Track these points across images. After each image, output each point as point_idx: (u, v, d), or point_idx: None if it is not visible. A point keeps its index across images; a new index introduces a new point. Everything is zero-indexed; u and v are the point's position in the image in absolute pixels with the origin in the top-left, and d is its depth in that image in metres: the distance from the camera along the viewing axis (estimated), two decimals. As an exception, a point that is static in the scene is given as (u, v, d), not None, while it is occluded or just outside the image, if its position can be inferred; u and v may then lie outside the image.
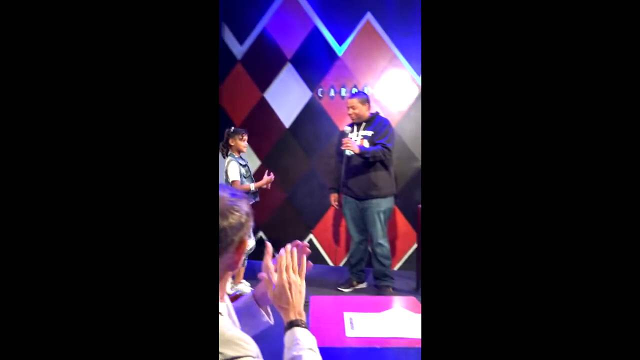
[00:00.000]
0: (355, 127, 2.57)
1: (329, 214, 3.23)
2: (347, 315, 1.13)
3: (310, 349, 0.65)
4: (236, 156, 2.47)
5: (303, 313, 0.71)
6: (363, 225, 2.58)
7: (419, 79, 3.06)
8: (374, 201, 2.48)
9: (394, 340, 0.98)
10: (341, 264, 3.21)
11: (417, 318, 1.11)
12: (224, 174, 2.47)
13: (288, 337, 0.67)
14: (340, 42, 3.18)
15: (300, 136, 3.26)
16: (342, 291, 2.56)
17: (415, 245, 2.80)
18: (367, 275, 2.73)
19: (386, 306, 1.21)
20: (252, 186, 2.41)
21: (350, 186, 2.53)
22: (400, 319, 1.10)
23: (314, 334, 1.02)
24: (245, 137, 2.51)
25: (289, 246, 0.75)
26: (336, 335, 1.00)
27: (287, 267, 0.72)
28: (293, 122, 3.27)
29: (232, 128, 2.52)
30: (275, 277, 0.72)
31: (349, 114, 2.53)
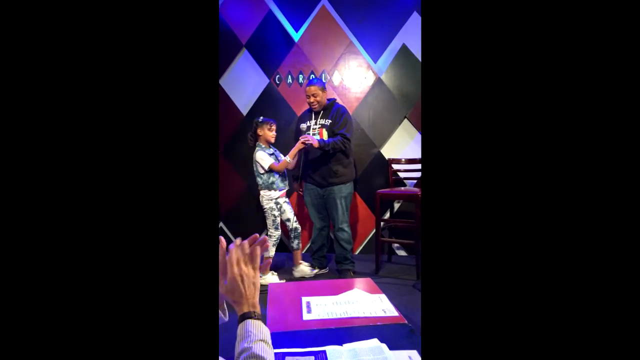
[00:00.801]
0: (313, 116, 2.55)
1: (290, 201, 3.22)
2: (304, 300, 1.14)
3: (263, 340, 0.63)
4: (263, 146, 2.42)
5: (257, 305, 0.69)
6: (325, 211, 2.61)
7: (375, 66, 3.09)
8: (336, 187, 2.52)
9: (350, 320, 1.00)
10: (303, 251, 3.23)
11: (372, 298, 1.15)
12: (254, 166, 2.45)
13: (240, 330, 0.65)
14: (296, 27, 3.14)
15: (259, 124, 3.20)
16: (304, 277, 2.58)
17: (374, 230, 2.87)
18: (328, 260, 2.78)
19: (343, 289, 1.24)
20: (288, 158, 2.36)
21: (312, 174, 2.54)
22: (356, 300, 1.14)
23: (271, 321, 1.02)
24: (274, 127, 2.45)
25: (238, 240, 0.74)
26: (293, 319, 1.02)
27: (238, 261, 0.71)
28: (250, 110, 3.21)
29: (261, 118, 2.44)
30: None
31: (310, 102, 2.49)
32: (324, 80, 3.09)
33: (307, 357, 0.79)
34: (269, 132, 2.44)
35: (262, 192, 2.45)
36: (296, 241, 2.50)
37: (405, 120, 3.08)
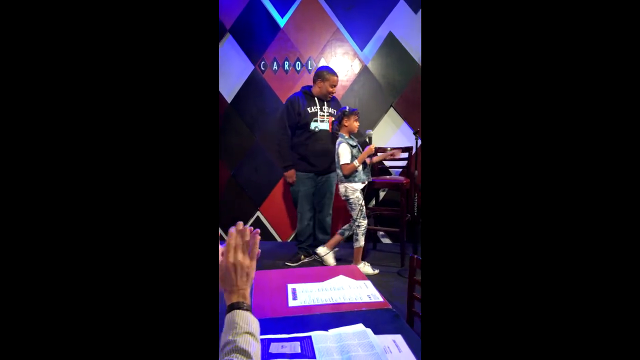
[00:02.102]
0: (317, 102, 2.54)
1: (276, 191, 3.21)
2: (290, 287, 1.14)
3: (249, 332, 0.61)
4: (346, 137, 2.39)
5: (248, 297, 0.67)
6: (316, 200, 2.63)
7: (361, 54, 3.07)
8: (332, 175, 2.60)
9: (335, 306, 1.01)
10: (289, 240, 3.24)
11: (357, 284, 1.16)
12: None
13: (227, 320, 0.63)
14: (281, 13, 3.08)
15: (244, 111, 3.16)
16: (289, 266, 2.59)
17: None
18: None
19: (329, 275, 1.24)
20: (356, 162, 2.35)
21: (314, 162, 2.53)
22: (341, 286, 1.14)
23: (257, 307, 1.02)
24: (357, 117, 2.43)
25: (240, 224, 0.70)
26: (278, 306, 1.01)
27: (237, 247, 0.68)
28: (235, 97, 3.15)
29: (347, 107, 2.42)
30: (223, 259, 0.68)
31: (331, 92, 2.52)
32: (309, 68, 3.06)
33: (292, 343, 0.79)
34: (355, 123, 2.41)
35: (344, 184, 2.42)
36: (346, 232, 2.49)
37: (392, 109, 3.09)
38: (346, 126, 2.40)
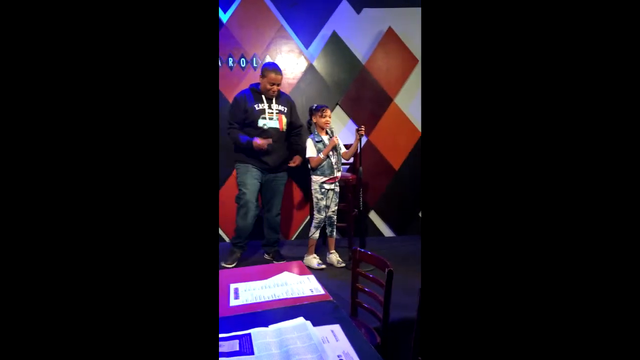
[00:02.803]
0: (264, 99, 2.46)
1: (224, 189, 3.14)
2: (232, 286, 1.13)
3: None
4: (316, 133, 2.41)
5: None
6: (265, 199, 2.59)
7: (306, 52, 3.09)
8: (282, 174, 2.59)
9: (277, 302, 1.02)
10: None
11: (300, 279, 1.17)
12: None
13: None
14: (224, 8, 3.00)
15: (187, 109, 3.04)
16: (225, 267, 2.50)
17: (308, 216, 2.92)
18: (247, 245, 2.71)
19: (274, 273, 1.25)
20: (321, 155, 2.38)
21: (266, 159, 2.47)
22: (284, 282, 1.15)
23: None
24: (326, 113, 2.42)
25: None
26: (219, 307, 1.00)
27: None
28: (177, 94, 3.02)
29: (314, 105, 2.44)
30: None
31: (272, 90, 2.42)
32: (255, 65, 3.03)
33: (231, 341, 0.79)
34: (322, 119, 2.42)
35: (312, 176, 2.49)
36: (329, 229, 2.54)
37: (338, 107, 3.14)
38: (315, 123, 2.46)
